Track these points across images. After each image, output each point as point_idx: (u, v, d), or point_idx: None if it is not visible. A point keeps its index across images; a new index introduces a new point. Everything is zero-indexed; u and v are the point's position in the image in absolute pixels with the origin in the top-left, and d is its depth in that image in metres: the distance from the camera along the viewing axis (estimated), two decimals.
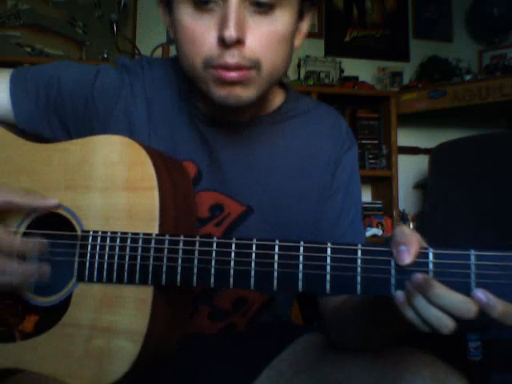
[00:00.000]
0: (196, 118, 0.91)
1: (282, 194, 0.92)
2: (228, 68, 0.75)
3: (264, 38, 0.76)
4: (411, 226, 3.25)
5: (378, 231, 3.08)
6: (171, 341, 0.81)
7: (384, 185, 3.23)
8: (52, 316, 0.78)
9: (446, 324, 0.56)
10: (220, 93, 0.78)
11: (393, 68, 3.42)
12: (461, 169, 2.50)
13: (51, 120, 0.92)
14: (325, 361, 0.84)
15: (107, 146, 0.79)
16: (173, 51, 3.16)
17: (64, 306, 0.77)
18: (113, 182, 0.77)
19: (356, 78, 3.30)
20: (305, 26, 0.88)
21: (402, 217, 3.28)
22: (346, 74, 3.32)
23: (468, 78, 3.16)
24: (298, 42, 0.87)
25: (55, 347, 0.76)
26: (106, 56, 2.99)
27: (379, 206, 3.26)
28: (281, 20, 0.77)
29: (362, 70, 3.43)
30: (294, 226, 0.92)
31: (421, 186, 3.35)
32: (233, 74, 0.75)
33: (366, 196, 3.38)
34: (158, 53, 3.07)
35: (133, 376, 0.74)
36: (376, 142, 3.25)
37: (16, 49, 2.96)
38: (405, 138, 3.40)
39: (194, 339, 0.91)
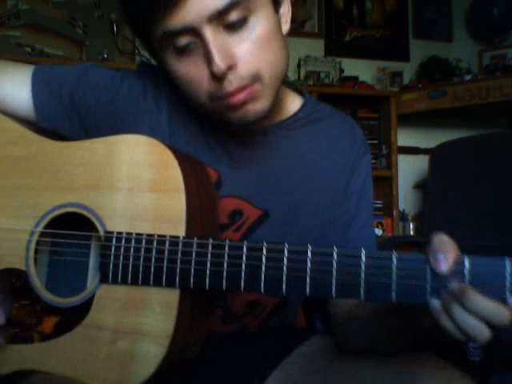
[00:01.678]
0: (218, 124, 0.90)
1: (297, 198, 0.92)
2: (233, 94, 0.76)
3: (250, 48, 0.76)
4: (411, 225, 3.26)
5: (378, 231, 3.10)
6: (195, 343, 0.80)
7: (384, 185, 3.24)
8: (72, 317, 0.76)
9: (483, 332, 0.57)
10: (235, 116, 0.79)
11: (393, 68, 3.44)
12: (461, 169, 2.51)
13: (73, 122, 0.91)
14: (336, 363, 0.84)
15: (132, 145, 0.77)
16: None
17: (85, 307, 0.76)
18: (138, 183, 0.76)
19: (356, 78, 3.31)
20: (286, 8, 0.86)
21: (402, 217, 3.29)
22: (346, 74, 3.33)
23: (468, 78, 3.17)
24: (285, 26, 0.86)
25: (77, 349, 0.75)
26: (105, 56, 2.98)
27: (379, 205, 3.27)
28: (258, 25, 0.77)
29: (362, 69, 3.44)
30: (307, 230, 0.93)
31: (421, 186, 3.36)
32: (240, 96, 0.77)
33: None
34: None
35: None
36: (376, 141, 3.27)
37: (16, 49, 2.95)
38: (405, 138, 3.41)
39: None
